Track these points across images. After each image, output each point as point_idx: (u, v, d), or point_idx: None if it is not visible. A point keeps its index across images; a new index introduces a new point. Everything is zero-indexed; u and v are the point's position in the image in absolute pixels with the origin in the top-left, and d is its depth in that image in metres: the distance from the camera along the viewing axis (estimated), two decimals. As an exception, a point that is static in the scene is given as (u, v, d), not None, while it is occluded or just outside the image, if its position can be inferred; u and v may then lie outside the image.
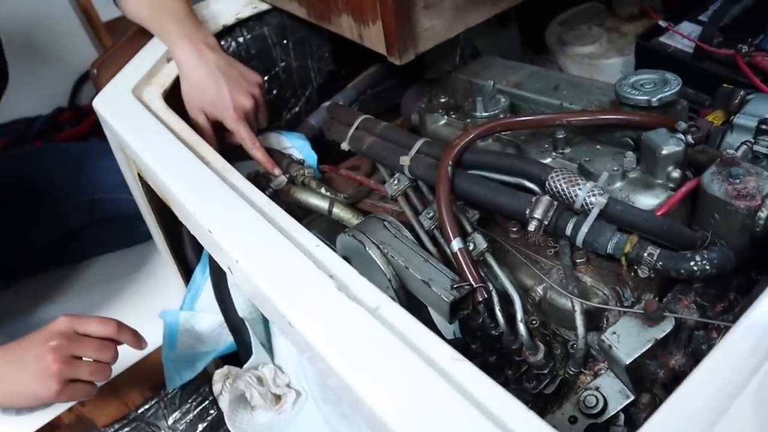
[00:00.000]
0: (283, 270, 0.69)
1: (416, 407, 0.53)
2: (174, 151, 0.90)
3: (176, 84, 1.06)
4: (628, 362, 0.64)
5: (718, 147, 0.82)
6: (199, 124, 1.04)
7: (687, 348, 0.68)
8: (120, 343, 0.95)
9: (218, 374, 1.07)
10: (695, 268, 0.66)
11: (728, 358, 0.51)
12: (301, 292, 0.66)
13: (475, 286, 0.73)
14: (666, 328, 0.65)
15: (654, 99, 0.82)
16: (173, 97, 1.05)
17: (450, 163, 0.82)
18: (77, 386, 0.91)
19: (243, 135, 1.02)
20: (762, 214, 0.67)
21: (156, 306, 1.12)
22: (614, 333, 0.67)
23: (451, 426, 0.51)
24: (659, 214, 0.72)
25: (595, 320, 0.75)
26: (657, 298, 0.72)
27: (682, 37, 1.16)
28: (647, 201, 0.76)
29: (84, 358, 0.92)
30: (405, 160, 0.89)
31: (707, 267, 0.66)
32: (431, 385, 0.54)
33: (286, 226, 0.75)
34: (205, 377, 1.12)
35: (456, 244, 0.76)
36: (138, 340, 0.97)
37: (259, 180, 1.02)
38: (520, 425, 0.50)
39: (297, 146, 1.11)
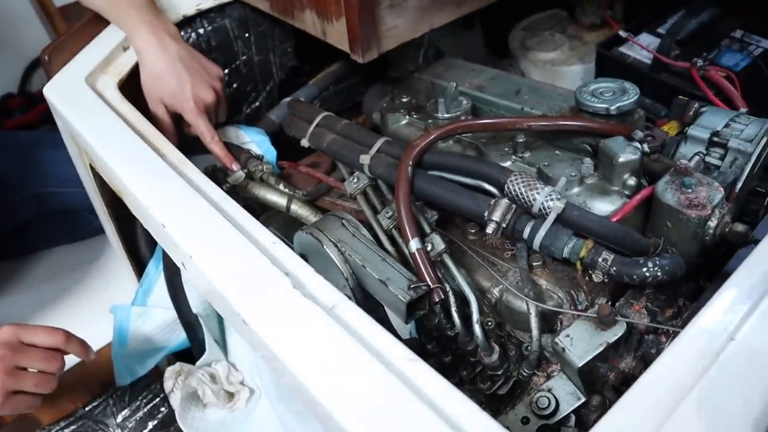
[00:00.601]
0: (238, 267, 0.67)
1: (370, 407, 0.53)
2: (128, 142, 0.87)
3: (132, 73, 1.03)
4: (580, 365, 0.65)
5: (672, 157, 0.84)
6: (158, 115, 1.01)
7: (637, 351, 0.70)
8: (67, 353, 0.91)
9: (170, 371, 1.05)
10: (647, 274, 0.67)
11: (676, 363, 0.53)
12: (255, 289, 0.65)
13: (432, 286, 0.73)
14: (618, 332, 0.67)
15: (612, 107, 0.84)
16: (129, 86, 1.02)
17: (410, 163, 0.82)
18: (20, 398, 0.86)
19: (202, 129, 1.01)
20: (711, 224, 0.69)
21: (107, 301, 1.09)
22: (567, 336, 0.67)
23: (404, 426, 0.51)
24: (614, 220, 0.74)
25: (550, 323, 0.75)
26: (610, 303, 0.73)
27: (641, 48, 1.18)
28: (603, 207, 0.77)
29: (29, 369, 0.87)
30: (365, 159, 0.88)
31: (659, 273, 0.67)
32: (385, 385, 0.54)
33: (241, 222, 0.74)
34: (157, 374, 1.10)
35: (414, 244, 0.76)
36: (86, 351, 0.92)
37: (217, 175, 1.00)
38: (472, 425, 0.51)
39: (256, 141, 1.09)
